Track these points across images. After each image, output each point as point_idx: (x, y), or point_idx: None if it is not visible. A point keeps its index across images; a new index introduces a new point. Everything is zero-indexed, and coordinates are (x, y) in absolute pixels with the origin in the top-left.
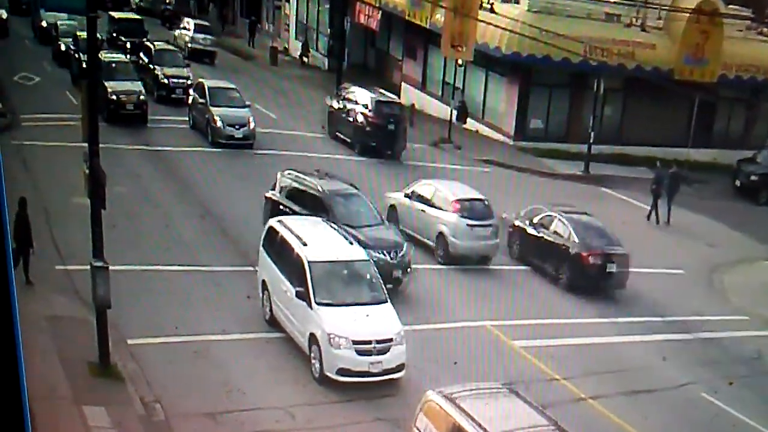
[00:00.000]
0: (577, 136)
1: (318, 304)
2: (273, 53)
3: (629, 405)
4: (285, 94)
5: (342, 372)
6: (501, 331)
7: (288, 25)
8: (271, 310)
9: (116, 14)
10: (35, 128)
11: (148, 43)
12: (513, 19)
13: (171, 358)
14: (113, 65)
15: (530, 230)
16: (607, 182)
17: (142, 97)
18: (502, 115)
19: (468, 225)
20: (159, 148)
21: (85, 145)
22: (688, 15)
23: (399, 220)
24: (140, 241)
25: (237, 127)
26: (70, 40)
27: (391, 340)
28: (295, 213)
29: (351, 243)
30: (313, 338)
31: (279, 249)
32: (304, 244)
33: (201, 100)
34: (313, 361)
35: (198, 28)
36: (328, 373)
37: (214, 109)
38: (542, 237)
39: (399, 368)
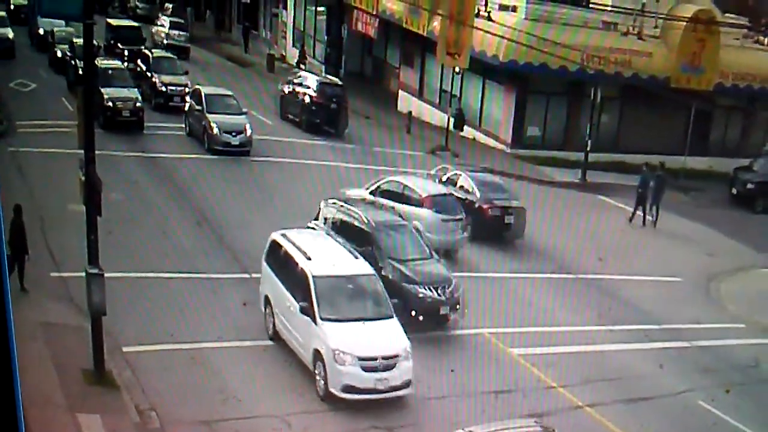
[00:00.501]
0: (574, 144)
1: (322, 319)
2: (270, 60)
3: (627, 413)
4: None
5: (347, 389)
6: (498, 338)
7: (285, 33)
8: (274, 325)
9: (114, 21)
10: (31, 135)
11: (145, 51)
12: (510, 27)
13: (166, 366)
14: (109, 72)
15: None
16: (605, 190)
17: (138, 103)
18: (499, 123)
19: (442, 220)
20: (155, 155)
21: (81, 152)
22: (684, 23)
23: None
24: (136, 248)
25: (234, 134)
26: (67, 46)
27: (397, 355)
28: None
29: (356, 257)
30: (317, 354)
31: (282, 263)
32: (308, 258)
33: (197, 107)
34: (317, 378)
35: (173, 25)
36: (333, 390)
37: (210, 116)
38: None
39: (406, 384)
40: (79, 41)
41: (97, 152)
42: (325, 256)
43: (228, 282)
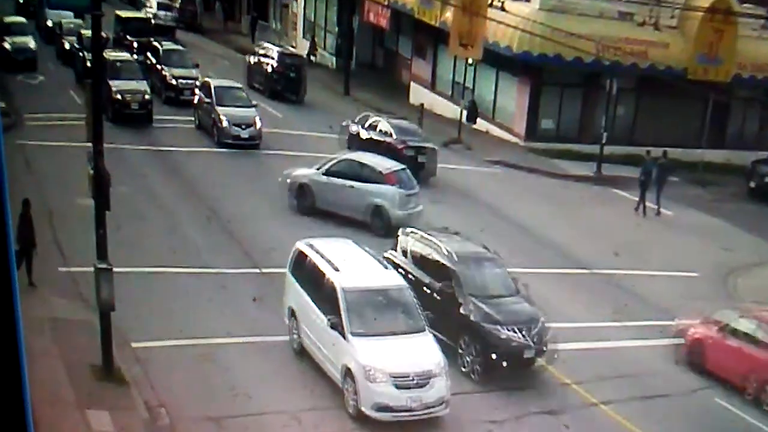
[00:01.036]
0: (589, 136)
1: (353, 334)
2: None
3: (642, 410)
4: None
5: (380, 408)
6: None
7: (295, 24)
8: (300, 339)
9: (123, 13)
10: (39, 128)
11: (155, 43)
12: (524, 18)
13: (176, 362)
14: (118, 64)
15: (363, 133)
16: (620, 184)
17: (147, 96)
18: (513, 116)
19: (406, 195)
20: (164, 148)
21: (90, 145)
22: (701, 14)
23: (315, 199)
24: (145, 242)
25: (243, 127)
26: (75, 38)
27: (431, 372)
28: (417, 279)
29: (386, 267)
30: (347, 371)
31: (308, 274)
32: (336, 270)
33: (207, 100)
34: (347, 396)
35: (160, 6)
36: (364, 409)
37: (220, 109)
38: (371, 137)
39: (441, 403)
40: (87, 33)
41: (105, 145)
42: (354, 267)
43: (238, 277)
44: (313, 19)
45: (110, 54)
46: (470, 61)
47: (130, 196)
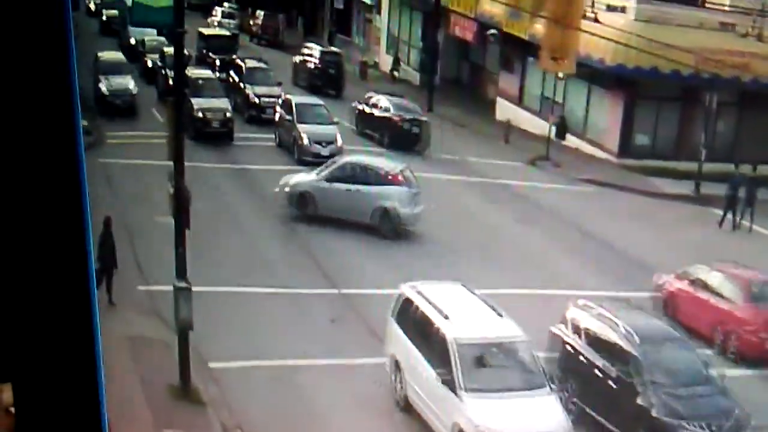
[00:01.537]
0: (687, 153)
1: (466, 391)
2: (362, 68)
3: None
4: None
5: None
6: None
7: (378, 39)
8: (404, 392)
9: (206, 30)
10: (120, 146)
11: (238, 61)
12: (618, 29)
13: (253, 383)
14: (200, 82)
15: (367, 110)
16: (720, 203)
17: (228, 114)
18: (605, 131)
19: (413, 194)
20: (244, 167)
21: (171, 163)
22: None
23: (318, 206)
24: (224, 261)
25: (324, 144)
26: (157, 56)
27: None
28: (588, 361)
29: (501, 315)
30: None
31: (415, 322)
32: (447, 318)
33: (288, 117)
34: None
35: (225, 15)
36: None
37: (300, 126)
38: (373, 113)
39: None
40: (170, 50)
41: (186, 164)
42: (466, 316)
43: (315, 298)
44: (396, 34)
45: (192, 72)
46: (560, 75)
47: (209, 215)
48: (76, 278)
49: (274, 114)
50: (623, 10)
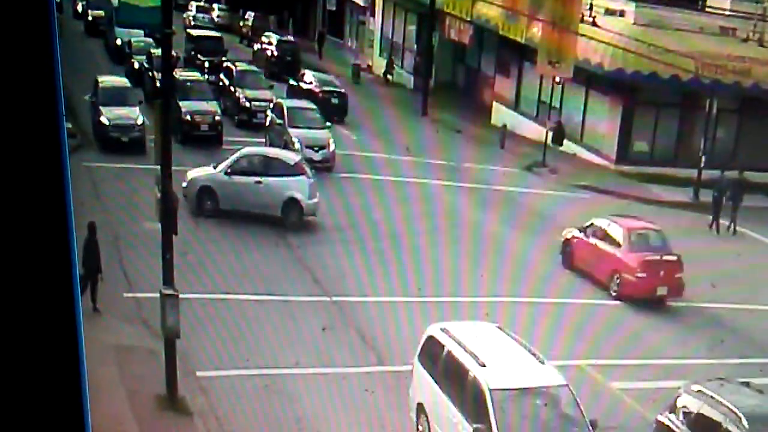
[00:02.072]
0: (686, 160)
1: None
2: (355, 70)
3: None
4: (366, 114)
5: None
6: (597, 371)
7: (372, 42)
8: None
9: (194, 32)
10: (106, 149)
11: (228, 64)
12: (617, 33)
13: (241, 392)
14: (188, 84)
15: (295, 84)
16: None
17: (217, 117)
18: (602, 137)
19: (313, 184)
20: None
21: (158, 167)
22: None
23: (219, 201)
24: (211, 268)
25: (316, 149)
26: (144, 57)
27: None
28: None
29: (542, 362)
30: None
31: (445, 367)
32: (482, 365)
33: (279, 121)
34: None
35: (198, 9)
36: None
37: (292, 131)
38: (300, 86)
39: None
40: (157, 52)
41: (173, 168)
42: (502, 361)
43: (307, 305)
44: (390, 37)
45: (180, 74)
46: (558, 79)
47: (197, 221)
48: (59, 284)
49: (265, 118)
50: (622, 13)
